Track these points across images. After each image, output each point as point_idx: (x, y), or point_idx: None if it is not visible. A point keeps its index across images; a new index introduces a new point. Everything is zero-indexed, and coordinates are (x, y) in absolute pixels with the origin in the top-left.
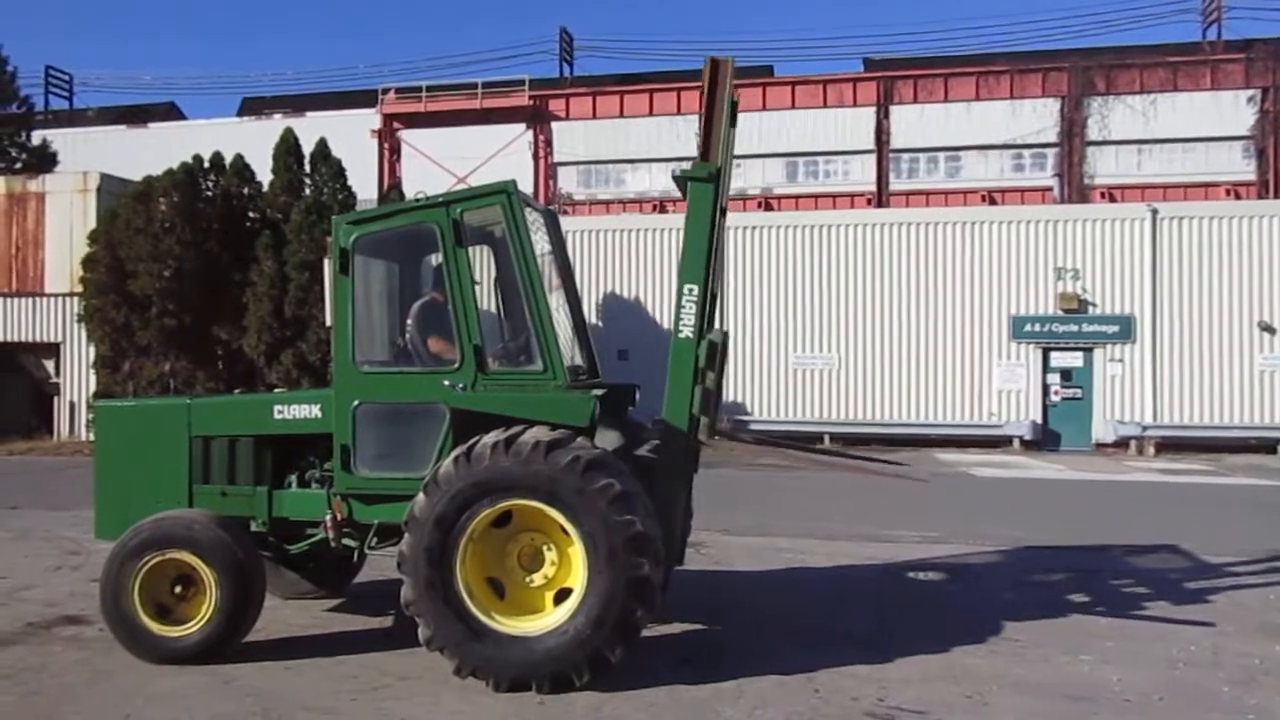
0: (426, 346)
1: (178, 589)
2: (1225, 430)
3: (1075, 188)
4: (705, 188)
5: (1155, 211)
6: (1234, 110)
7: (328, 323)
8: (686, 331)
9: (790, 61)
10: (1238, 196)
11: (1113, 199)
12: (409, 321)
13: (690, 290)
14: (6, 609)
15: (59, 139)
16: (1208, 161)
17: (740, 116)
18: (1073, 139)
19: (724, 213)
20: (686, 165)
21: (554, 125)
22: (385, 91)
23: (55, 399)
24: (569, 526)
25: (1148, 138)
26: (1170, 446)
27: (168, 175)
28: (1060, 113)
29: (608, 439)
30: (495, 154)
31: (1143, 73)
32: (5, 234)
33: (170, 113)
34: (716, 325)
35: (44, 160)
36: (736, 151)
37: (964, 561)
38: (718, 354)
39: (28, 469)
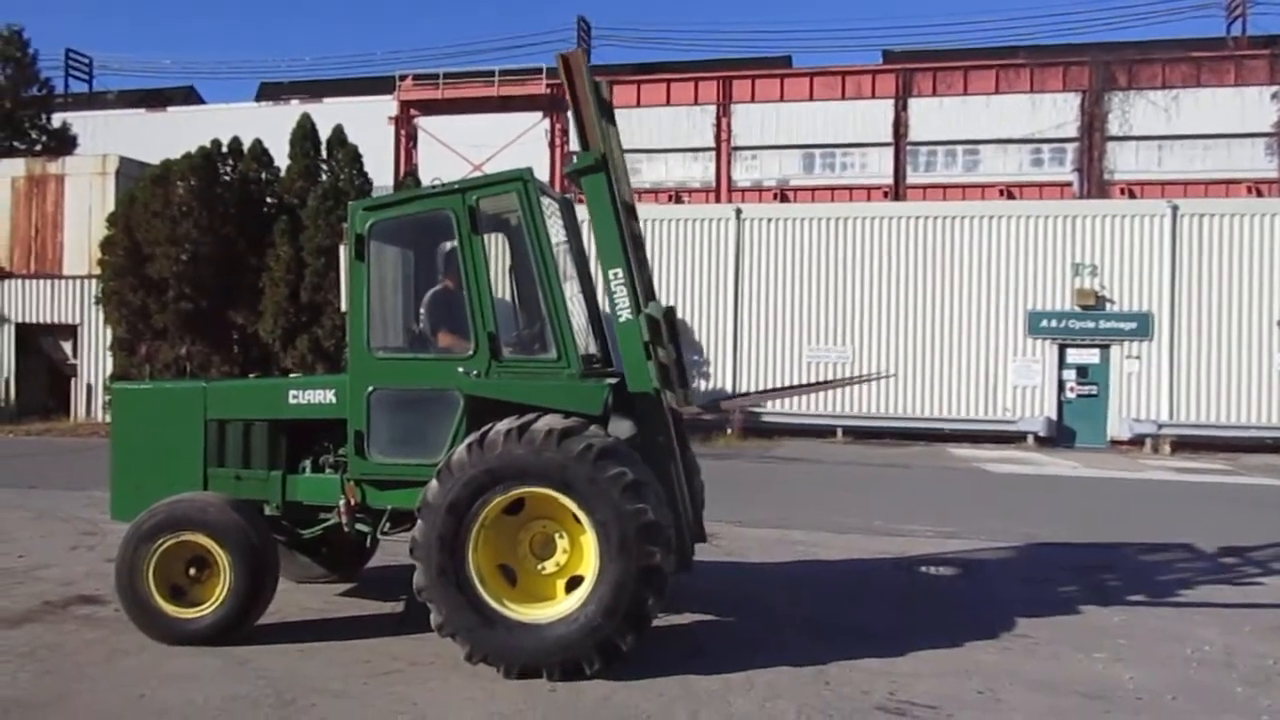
0: (437, 338)
1: (192, 571)
2: (1243, 430)
3: (1095, 183)
4: (597, 176)
5: (1175, 208)
6: (1257, 107)
7: (343, 308)
8: (625, 315)
9: (808, 53)
10: (1259, 194)
11: (1132, 195)
12: (421, 310)
13: (615, 275)
14: (23, 587)
15: (78, 122)
16: (1229, 158)
17: (758, 107)
18: (1093, 134)
19: (632, 210)
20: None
21: (570, 114)
22: (402, 78)
23: (73, 380)
24: (581, 514)
25: (1169, 134)
26: (1186, 445)
27: (186, 159)
28: (1081, 107)
29: (620, 428)
30: (512, 142)
31: (1165, 68)
32: (25, 216)
33: (189, 97)
34: (656, 301)
35: (63, 143)
36: (754, 141)
37: (976, 557)
38: (661, 327)
39: (45, 449)
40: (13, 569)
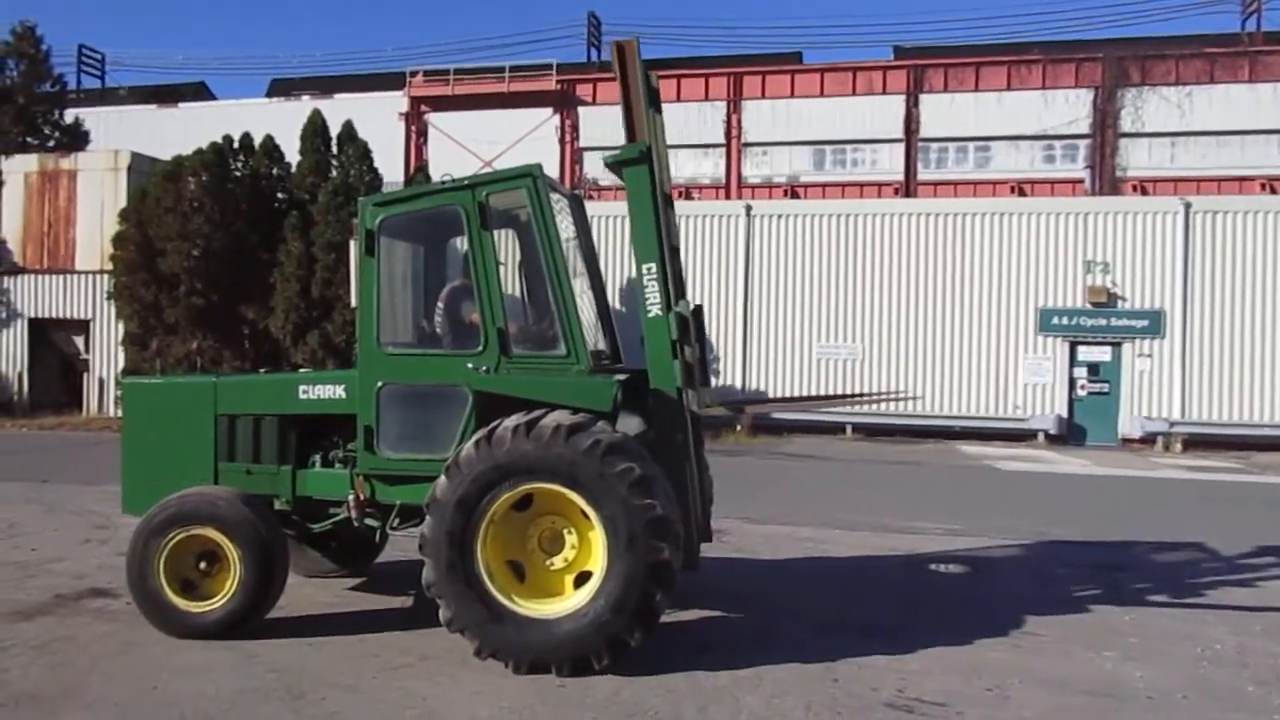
0: (458, 328)
1: (202, 565)
2: (1255, 428)
3: (1107, 180)
4: (640, 168)
5: (1188, 205)
6: (1272, 103)
7: (353, 304)
8: (654, 310)
9: (819, 48)
10: (1273, 191)
11: (1145, 192)
12: (440, 304)
13: (649, 269)
14: (36, 581)
15: (91, 118)
16: (1243, 155)
17: (769, 103)
18: (1105, 130)
19: (669, 201)
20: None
21: (581, 110)
22: (413, 74)
23: (85, 375)
24: (589, 510)
25: (1182, 130)
26: (1198, 443)
27: (197, 155)
28: (1093, 104)
29: (629, 424)
30: (522, 138)
31: (1179, 64)
32: (38, 211)
33: (200, 93)
34: (685, 299)
35: (76, 139)
36: (764, 138)
37: (986, 555)
38: (689, 326)
39: (57, 443)
40: (25, 562)
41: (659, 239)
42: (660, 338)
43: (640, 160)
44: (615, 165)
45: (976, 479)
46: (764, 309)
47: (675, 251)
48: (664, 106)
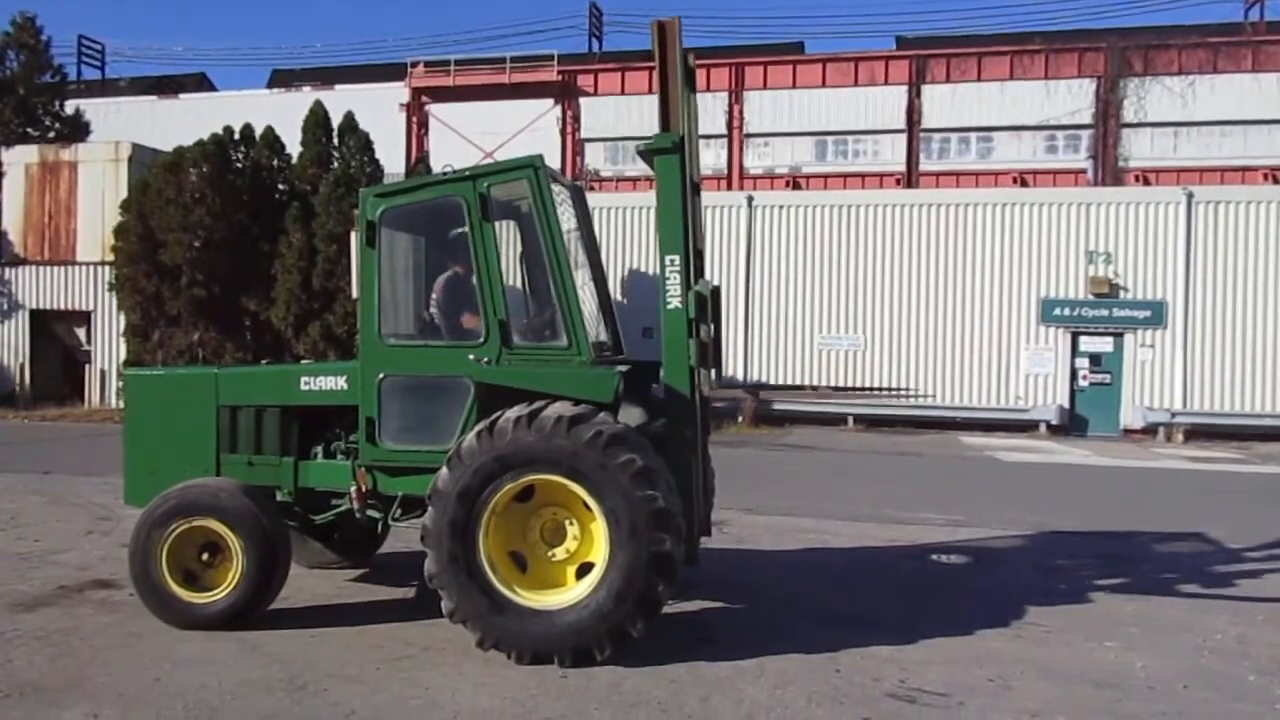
0: (450, 320)
1: (205, 556)
2: (1256, 418)
3: (1109, 170)
4: (671, 158)
5: (1190, 195)
6: (1275, 93)
7: (354, 295)
8: (674, 302)
9: (821, 39)
10: (1275, 181)
11: (1147, 182)
12: (434, 295)
13: (672, 261)
14: (39, 572)
15: (91, 109)
16: (1246, 145)
17: (770, 94)
18: (1108, 121)
19: (697, 189)
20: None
21: (582, 101)
22: (414, 65)
23: (87, 366)
24: (591, 501)
25: (1185, 120)
26: (1200, 434)
27: (198, 146)
28: (1096, 94)
29: (631, 415)
30: (523, 129)
31: (1181, 54)
32: (38, 203)
33: (201, 84)
34: (705, 279)
35: (76, 130)
36: (766, 128)
37: (988, 545)
38: (707, 305)
39: (59, 435)
40: (28, 553)
41: (684, 231)
42: (677, 330)
43: (672, 150)
44: (646, 153)
45: (978, 470)
46: (766, 300)
47: (699, 237)
48: None
